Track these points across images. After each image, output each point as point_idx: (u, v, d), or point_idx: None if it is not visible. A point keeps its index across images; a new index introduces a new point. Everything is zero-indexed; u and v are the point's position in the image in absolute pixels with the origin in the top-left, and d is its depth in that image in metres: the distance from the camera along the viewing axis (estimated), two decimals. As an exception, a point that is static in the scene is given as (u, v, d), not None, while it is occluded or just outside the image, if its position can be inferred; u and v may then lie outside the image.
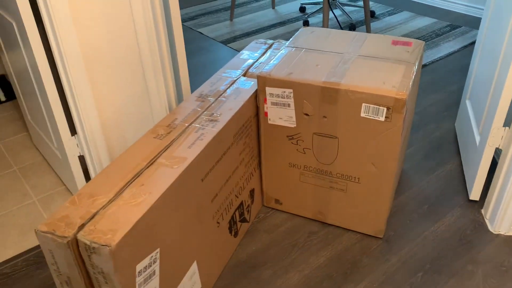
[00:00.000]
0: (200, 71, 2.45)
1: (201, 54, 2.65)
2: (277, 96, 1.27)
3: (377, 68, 1.24)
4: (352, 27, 2.82)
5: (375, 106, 1.16)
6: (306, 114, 1.26)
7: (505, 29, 1.32)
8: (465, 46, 2.56)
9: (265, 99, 1.29)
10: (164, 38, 1.32)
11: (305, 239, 1.40)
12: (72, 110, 1.30)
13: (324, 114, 1.24)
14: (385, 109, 1.15)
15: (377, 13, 3.10)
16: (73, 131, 1.37)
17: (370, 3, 3.27)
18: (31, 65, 1.33)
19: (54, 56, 1.22)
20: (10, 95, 2.23)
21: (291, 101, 1.26)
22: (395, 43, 1.37)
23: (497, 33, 1.41)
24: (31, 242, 1.42)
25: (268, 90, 1.27)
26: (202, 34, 2.92)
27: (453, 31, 2.75)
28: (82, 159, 1.42)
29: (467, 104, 1.69)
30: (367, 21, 2.65)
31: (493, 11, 1.50)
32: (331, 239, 1.40)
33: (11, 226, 1.49)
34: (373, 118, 1.18)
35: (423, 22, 2.91)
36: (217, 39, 2.81)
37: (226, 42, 2.77)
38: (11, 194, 1.63)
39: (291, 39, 1.44)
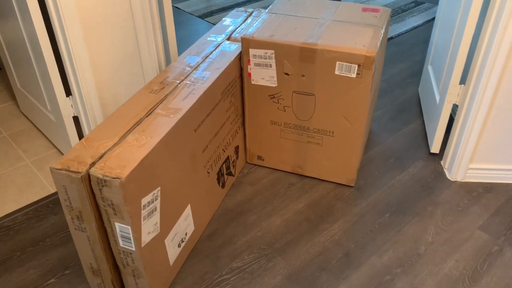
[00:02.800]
0: (179, 43, 2.54)
1: (179, 29, 2.73)
2: (260, 57, 1.39)
3: (349, 31, 1.38)
4: None
5: (348, 63, 1.30)
6: (286, 74, 1.40)
7: (460, 1, 1.48)
8: (428, 21, 2.74)
9: (249, 61, 1.41)
10: (155, 4, 1.42)
11: (285, 189, 1.55)
12: (69, 71, 1.38)
13: (303, 73, 1.37)
14: (357, 66, 1.29)
15: (347, -10, 3.24)
16: (68, 92, 1.45)
17: (341, -20, 3.41)
18: (27, 31, 1.40)
19: (52, 20, 1.30)
20: (-8, 66, 2.26)
21: (272, 62, 1.39)
22: (364, 9, 1.51)
23: (453, 6, 1.57)
24: (30, 198, 1.51)
25: (252, 51, 1.39)
26: (179, 9, 2.99)
27: (417, 7, 2.93)
28: (76, 119, 1.51)
29: (429, 70, 1.86)
30: (338, -4, 2.78)
31: (451, -18, 1.66)
32: (308, 188, 1.55)
33: (8, 184, 1.57)
34: (346, 75, 1.32)
35: (390, -2, 3.07)
36: (194, 14, 2.89)
37: (203, 16, 2.85)
38: (4, 158, 1.70)
39: (270, 6, 1.56)
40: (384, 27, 1.41)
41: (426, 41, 2.51)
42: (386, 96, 2.03)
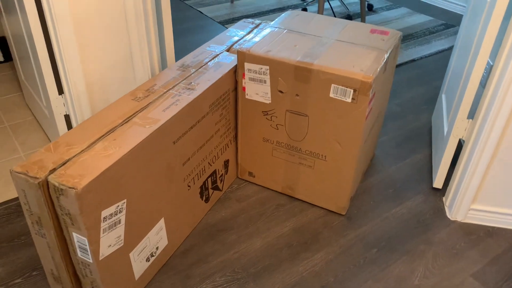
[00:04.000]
0: (194, 47, 2.51)
1: (198, 32, 2.71)
2: (255, 72, 1.34)
3: (350, 52, 1.30)
4: (348, 18, 2.87)
5: (343, 87, 1.23)
6: (281, 91, 1.33)
7: (477, 27, 1.38)
8: (456, 45, 2.61)
9: (244, 74, 1.36)
10: (151, 7, 1.39)
11: (273, 210, 1.48)
12: (60, 70, 1.37)
13: (297, 92, 1.31)
14: (352, 90, 1.22)
15: (375, 6, 3.15)
16: (60, 90, 1.44)
17: (371, -4, 3.32)
18: (25, 27, 1.40)
19: (46, 19, 1.29)
20: (8, 56, 2.30)
21: (267, 78, 1.33)
22: (373, 31, 1.43)
23: (470, 31, 1.47)
24: (14, 192, 1.50)
25: (247, 65, 1.34)
26: (202, 13, 2.97)
27: (447, 30, 2.80)
28: (67, 118, 1.50)
29: (443, 98, 1.75)
30: (362, 13, 2.70)
31: (470, 9, 1.56)
32: (296, 212, 1.48)
33: (-3, 177, 1.57)
34: (341, 99, 1.25)
35: (419, 19, 2.96)
36: (216, 19, 2.87)
37: (224, 22, 2.82)
38: (0, 148, 1.70)
39: (276, 19, 1.51)
40: (389, 51, 1.33)
41: (449, 66, 2.39)
42: (397, 120, 1.94)
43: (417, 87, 2.19)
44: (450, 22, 2.93)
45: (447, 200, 1.50)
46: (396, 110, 2.01)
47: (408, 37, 2.68)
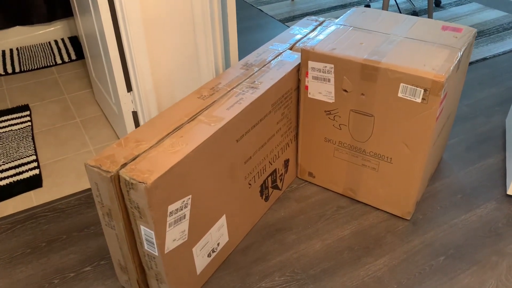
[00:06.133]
0: (255, 46, 2.53)
1: (258, 31, 2.72)
2: (318, 70, 1.31)
3: (420, 51, 1.25)
4: (414, 14, 2.76)
5: (413, 87, 1.18)
6: (345, 90, 1.30)
7: None
8: (533, 42, 2.43)
9: (307, 73, 1.34)
10: (217, 7, 1.41)
11: (333, 212, 1.45)
12: (130, 69, 1.42)
13: (363, 91, 1.27)
14: (422, 90, 1.17)
15: (443, 2, 3.00)
16: (129, 88, 1.50)
17: (438, -9, 3.17)
18: (98, 27, 1.47)
19: (118, 20, 1.34)
20: (80, 54, 2.43)
21: (331, 76, 1.30)
22: (444, 28, 1.36)
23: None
24: (85, 184, 1.59)
25: (310, 64, 1.32)
26: (262, 11, 2.98)
27: (523, 26, 2.62)
28: (135, 114, 1.56)
29: (520, 99, 1.64)
30: (429, 9, 2.58)
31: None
32: (358, 215, 1.44)
33: (70, 169, 1.66)
34: (410, 99, 1.20)
35: (491, 15, 2.78)
36: (276, 17, 2.86)
37: (284, 20, 2.81)
38: (72, 142, 1.80)
39: (341, 17, 1.47)
40: (463, 50, 1.25)
41: (526, 65, 2.22)
42: (467, 123, 1.83)
43: (489, 87, 2.06)
44: (527, 17, 2.73)
45: (523, 208, 1.40)
46: (466, 111, 1.90)
47: (480, 34, 2.53)
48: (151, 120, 1.13)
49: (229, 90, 1.24)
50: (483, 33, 2.55)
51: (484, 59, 2.30)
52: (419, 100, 1.19)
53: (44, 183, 1.60)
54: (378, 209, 1.45)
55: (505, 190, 1.50)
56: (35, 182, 1.58)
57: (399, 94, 1.21)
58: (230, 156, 1.17)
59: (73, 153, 1.74)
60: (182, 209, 1.05)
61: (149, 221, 0.98)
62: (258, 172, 1.33)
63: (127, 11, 1.30)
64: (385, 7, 2.47)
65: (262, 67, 1.35)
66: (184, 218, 1.06)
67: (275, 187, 1.47)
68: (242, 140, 1.20)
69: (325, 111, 1.38)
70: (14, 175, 1.62)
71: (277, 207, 1.48)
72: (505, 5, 2.91)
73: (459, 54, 1.23)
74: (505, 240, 1.33)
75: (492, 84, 2.09)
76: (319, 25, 1.62)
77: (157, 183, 0.94)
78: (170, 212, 1.01)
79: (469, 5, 2.93)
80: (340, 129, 1.38)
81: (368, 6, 2.88)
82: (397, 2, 3.02)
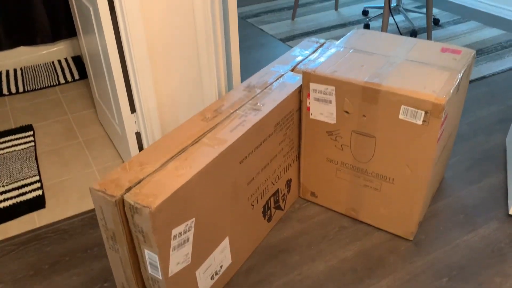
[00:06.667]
0: (256, 65, 2.56)
1: (259, 50, 2.75)
2: (320, 92, 1.33)
3: (420, 73, 1.26)
4: (413, 33, 2.80)
5: (413, 109, 1.19)
6: (346, 112, 1.32)
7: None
8: (532, 61, 2.46)
9: (308, 94, 1.36)
10: (220, 31, 1.43)
11: (336, 232, 1.45)
12: (133, 90, 1.44)
13: (364, 113, 1.29)
14: (423, 112, 1.18)
15: (442, 21, 3.04)
16: (133, 109, 1.51)
17: (436, 10, 3.21)
18: (102, 48, 1.49)
19: (122, 41, 1.37)
20: (83, 74, 2.45)
21: (332, 98, 1.32)
22: (444, 50, 1.38)
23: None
24: (88, 205, 1.59)
25: (312, 86, 1.34)
26: (263, 31, 3.02)
27: (521, 44, 2.65)
28: (138, 135, 1.57)
29: (520, 118, 1.65)
30: (428, 28, 2.62)
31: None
32: (361, 235, 1.44)
33: (73, 189, 1.67)
34: (411, 121, 1.21)
35: (490, 33, 2.82)
36: (277, 37, 2.90)
37: (285, 40, 2.85)
38: (75, 162, 1.81)
39: (341, 39, 1.50)
40: (463, 72, 1.27)
41: (525, 83, 2.25)
42: (467, 141, 1.84)
43: (488, 105, 2.08)
44: (525, 36, 2.76)
45: (525, 228, 1.40)
46: (467, 130, 1.92)
47: (479, 53, 2.56)
48: (155, 142, 1.14)
49: (232, 112, 1.25)
50: (482, 52, 2.58)
51: (483, 77, 2.32)
52: (420, 122, 1.20)
53: (47, 203, 1.60)
54: (381, 229, 1.45)
55: (507, 210, 1.50)
56: (38, 203, 1.59)
57: (400, 116, 1.22)
58: (233, 177, 1.18)
59: (76, 174, 1.75)
60: (185, 232, 1.05)
61: (153, 245, 0.98)
62: (261, 193, 1.34)
63: (131, 32, 1.33)
64: (385, 27, 2.51)
65: (264, 88, 1.37)
66: (188, 241, 1.07)
67: (278, 207, 1.48)
68: (245, 162, 1.21)
69: (327, 131, 1.39)
70: (17, 196, 1.62)
71: (279, 227, 1.48)
72: (503, 24, 2.95)
73: (459, 76, 1.25)
74: (508, 261, 1.33)
75: (492, 102, 2.11)
76: (320, 46, 1.65)
77: (161, 207, 0.95)
78: (174, 236, 1.02)
79: (467, 24, 2.97)
80: (342, 150, 1.39)
81: (367, 25, 2.92)
82: (396, 21, 3.06)
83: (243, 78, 2.35)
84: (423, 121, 1.19)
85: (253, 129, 1.20)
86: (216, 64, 1.49)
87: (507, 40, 2.71)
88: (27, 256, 1.40)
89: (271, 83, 1.40)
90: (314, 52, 1.61)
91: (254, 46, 2.81)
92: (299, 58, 1.56)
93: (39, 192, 1.64)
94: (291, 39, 2.86)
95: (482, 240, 1.40)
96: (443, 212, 1.51)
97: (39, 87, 2.34)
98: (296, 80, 1.41)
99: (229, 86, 1.58)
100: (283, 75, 1.45)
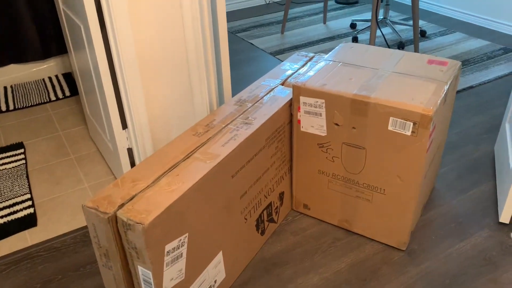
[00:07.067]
0: (247, 79, 2.58)
1: (250, 64, 2.78)
2: (310, 105, 1.35)
3: (408, 85, 1.29)
4: (401, 45, 2.84)
5: (402, 120, 1.21)
6: (336, 124, 1.33)
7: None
8: (517, 70, 2.51)
9: (299, 108, 1.38)
10: (210, 46, 1.45)
11: (329, 244, 1.46)
12: (125, 106, 1.44)
13: (354, 125, 1.30)
14: (412, 124, 1.20)
15: (428, 32, 3.10)
16: (124, 125, 1.51)
17: (423, 22, 3.27)
18: (93, 64, 1.50)
19: (112, 57, 1.38)
20: (74, 91, 2.45)
21: (322, 111, 1.34)
22: (430, 62, 1.41)
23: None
24: (80, 222, 1.58)
25: (302, 99, 1.35)
26: (253, 45, 3.05)
27: (506, 54, 2.70)
28: (130, 151, 1.57)
29: (507, 127, 1.68)
30: (415, 40, 2.67)
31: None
32: (354, 246, 1.44)
33: (65, 206, 1.66)
34: (400, 132, 1.23)
35: (475, 44, 2.87)
36: (267, 51, 2.93)
37: (275, 53, 2.88)
38: (67, 179, 1.81)
39: (330, 53, 1.52)
40: (449, 83, 1.30)
41: (510, 93, 2.28)
42: (457, 151, 1.87)
43: (476, 115, 2.12)
44: (511, 46, 2.82)
45: (516, 236, 1.42)
46: (455, 139, 1.94)
47: (465, 63, 2.61)
48: (147, 158, 1.14)
49: (224, 127, 1.26)
50: (468, 62, 2.63)
51: (471, 87, 2.36)
52: (408, 133, 1.22)
53: (39, 222, 1.59)
54: (374, 240, 1.46)
55: (497, 218, 1.52)
56: (29, 221, 1.58)
57: (389, 128, 1.24)
58: (226, 192, 1.18)
59: (68, 191, 1.74)
60: (179, 248, 1.05)
61: (147, 261, 0.98)
62: (253, 206, 1.34)
63: (122, 48, 1.34)
64: (372, 39, 2.55)
65: (255, 102, 1.38)
66: (181, 256, 1.07)
67: (271, 220, 1.48)
68: (237, 176, 1.22)
69: (317, 144, 1.41)
70: (9, 214, 1.61)
71: (273, 240, 1.48)
72: (487, 34, 3.01)
73: (446, 87, 1.27)
74: (500, 269, 1.34)
75: (479, 112, 2.14)
76: (309, 60, 1.67)
77: (154, 223, 0.95)
78: (167, 252, 1.01)
79: (453, 35, 3.03)
80: (333, 162, 1.40)
81: (355, 38, 2.96)
82: (384, 34, 3.11)
83: (234, 92, 2.37)
84: (412, 132, 1.21)
85: (245, 143, 1.21)
86: (207, 79, 1.50)
87: (492, 50, 2.77)
88: (19, 275, 1.38)
89: (262, 97, 1.41)
90: (303, 65, 1.63)
91: (245, 60, 2.83)
92: (289, 72, 1.58)
93: (31, 210, 1.62)
94: (280, 52, 2.89)
95: (474, 249, 1.41)
96: (434, 222, 1.52)
97: (30, 105, 2.34)
98: (286, 94, 1.42)
99: (220, 101, 1.59)
100: (273, 88, 1.47)
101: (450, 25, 3.21)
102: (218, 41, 1.47)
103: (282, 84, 1.51)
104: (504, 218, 1.47)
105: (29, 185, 1.76)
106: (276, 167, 1.43)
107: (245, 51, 2.97)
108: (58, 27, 2.52)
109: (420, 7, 3.58)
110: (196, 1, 1.39)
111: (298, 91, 1.35)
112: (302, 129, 1.41)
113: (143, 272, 1.01)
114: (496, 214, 1.54)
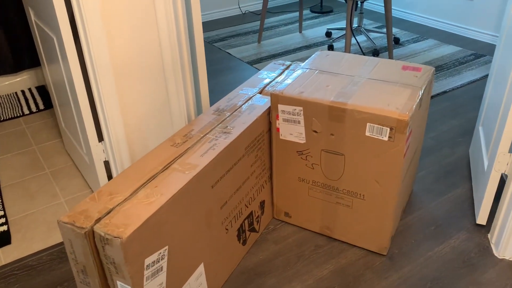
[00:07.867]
0: (225, 88, 2.57)
1: (227, 73, 2.78)
2: (288, 113, 1.35)
3: (384, 91, 1.30)
4: (375, 53, 2.89)
5: (379, 126, 1.22)
6: (315, 131, 1.34)
7: (513, 58, 1.37)
8: (487, 75, 2.57)
9: (277, 116, 1.38)
10: (187, 56, 1.44)
11: (311, 251, 1.45)
12: (100, 118, 1.42)
13: (332, 132, 1.31)
14: (388, 129, 1.21)
15: (402, 40, 3.16)
16: (100, 137, 1.49)
17: (396, 30, 3.34)
18: (67, 76, 1.47)
19: (87, 68, 1.35)
20: (48, 104, 2.40)
21: (301, 118, 1.34)
22: (405, 68, 1.43)
23: (506, 61, 1.45)
24: (56, 238, 1.54)
25: (280, 107, 1.36)
26: (230, 54, 3.05)
27: (477, 60, 2.78)
28: (107, 164, 1.54)
29: (480, 131, 1.72)
30: (389, 47, 2.71)
31: (505, 38, 1.54)
32: (336, 253, 1.44)
33: (40, 223, 1.61)
34: (377, 137, 1.24)
35: (447, 50, 2.94)
36: (244, 60, 2.94)
37: (252, 63, 2.89)
38: (42, 194, 1.76)
39: (306, 61, 1.53)
40: (424, 88, 1.32)
41: (482, 97, 2.34)
42: (433, 155, 1.90)
43: (450, 119, 2.16)
44: (480, 52, 2.90)
45: (492, 237, 1.44)
46: (431, 143, 1.98)
47: (438, 69, 2.67)
48: (124, 171, 1.12)
49: (202, 137, 1.25)
50: (441, 68, 2.69)
51: (444, 92, 2.41)
52: (386, 138, 1.23)
53: (13, 239, 1.54)
54: (355, 246, 1.47)
55: (474, 220, 1.55)
56: (3, 239, 1.52)
57: (367, 133, 1.25)
58: (206, 202, 1.17)
59: (43, 206, 1.69)
60: (159, 261, 1.03)
61: (126, 276, 0.95)
62: (234, 216, 1.33)
63: (96, 59, 1.32)
64: (348, 47, 2.58)
65: (234, 111, 1.38)
66: (162, 270, 1.04)
67: (252, 229, 1.47)
68: (217, 186, 1.20)
69: (297, 151, 1.41)
70: (-19, 233, 1.55)
71: (255, 250, 1.47)
72: (458, 40, 3.09)
73: (420, 92, 1.29)
74: (479, 270, 1.36)
75: (453, 116, 2.19)
76: (286, 68, 1.68)
77: (132, 236, 0.93)
78: (147, 265, 0.99)
79: (426, 42, 3.10)
80: (313, 169, 1.41)
81: (331, 46, 3.00)
82: (358, 41, 3.16)
83: (212, 102, 2.36)
84: (388, 137, 1.22)
85: (224, 153, 1.20)
86: (184, 89, 1.49)
87: (463, 56, 2.84)
88: (-8, 296, 1.33)
89: (240, 106, 1.41)
90: (280, 74, 1.64)
91: (222, 70, 2.83)
92: (267, 81, 1.58)
93: (4, 227, 1.57)
94: (258, 61, 2.90)
95: (453, 251, 1.43)
96: (414, 225, 1.54)
97: (2, 119, 2.28)
98: (264, 102, 1.42)
99: (198, 111, 1.58)
100: (251, 97, 1.46)
101: (423, 32, 3.29)
102: (195, 50, 1.46)
103: (260, 92, 1.51)
104: (481, 220, 1.50)
105: (2, 201, 1.70)
106: (256, 176, 1.42)
107: (223, 60, 2.97)
108: (30, 39, 2.47)
109: (393, 15, 3.65)
110: (170, 9, 1.39)
111: (276, 99, 1.35)
112: (281, 137, 1.41)
113: (122, 287, 0.98)
114: (473, 216, 1.56)
